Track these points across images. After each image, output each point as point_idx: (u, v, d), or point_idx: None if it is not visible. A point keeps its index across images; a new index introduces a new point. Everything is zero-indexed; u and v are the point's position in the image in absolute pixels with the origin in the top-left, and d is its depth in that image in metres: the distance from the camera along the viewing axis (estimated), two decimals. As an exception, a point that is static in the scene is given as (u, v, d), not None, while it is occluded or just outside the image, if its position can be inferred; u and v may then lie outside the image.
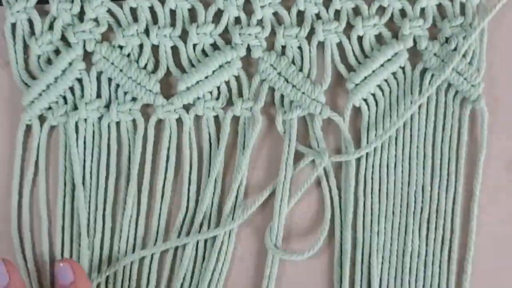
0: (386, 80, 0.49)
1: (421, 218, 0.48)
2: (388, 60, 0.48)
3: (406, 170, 0.49)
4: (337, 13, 0.48)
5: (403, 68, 0.49)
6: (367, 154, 0.48)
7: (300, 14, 0.48)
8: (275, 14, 0.48)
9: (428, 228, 0.48)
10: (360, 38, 0.49)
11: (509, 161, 0.50)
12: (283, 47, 0.49)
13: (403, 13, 0.49)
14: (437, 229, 0.48)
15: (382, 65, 0.48)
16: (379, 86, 0.49)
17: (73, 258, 0.48)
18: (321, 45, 0.49)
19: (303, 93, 0.48)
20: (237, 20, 0.48)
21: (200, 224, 0.48)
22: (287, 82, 0.48)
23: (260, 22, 0.48)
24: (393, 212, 0.49)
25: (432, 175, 0.49)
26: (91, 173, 0.49)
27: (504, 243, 0.49)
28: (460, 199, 0.49)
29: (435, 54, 0.48)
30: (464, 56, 0.48)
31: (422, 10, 0.49)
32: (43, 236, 0.49)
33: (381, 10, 0.48)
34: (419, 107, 0.49)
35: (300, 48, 0.49)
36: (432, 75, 0.48)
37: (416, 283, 0.48)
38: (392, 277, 0.48)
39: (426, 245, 0.48)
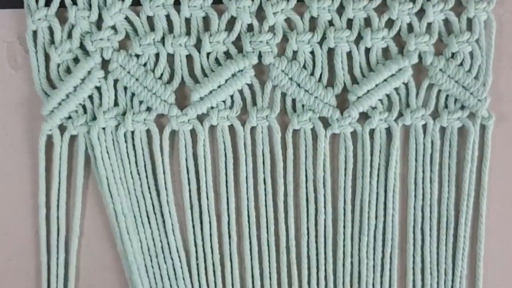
0: (388, 95, 0.48)
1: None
2: (392, 75, 0.47)
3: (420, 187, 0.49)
4: (350, 22, 0.48)
5: (406, 84, 0.48)
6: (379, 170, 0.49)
7: (312, 20, 0.48)
8: (287, 20, 0.48)
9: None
10: (367, 50, 0.48)
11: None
12: (294, 53, 0.48)
13: (410, 27, 0.48)
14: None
15: (385, 80, 0.47)
16: (381, 101, 0.48)
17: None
18: (330, 51, 0.48)
19: (316, 97, 0.48)
20: (250, 27, 0.48)
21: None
22: (299, 87, 0.48)
23: (271, 29, 0.48)
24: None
25: (449, 191, 0.49)
26: (106, 182, 0.49)
27: None
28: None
29: (440, 70, 0.47)
30: (469, 70, 0.47)
31: (429, 25, 0.48)
32: (60, 246, 0.49)
33: (390, 23, 0.48)
34: (426, 123, 0.48)
35: (312, 53, 0.48)
36: (439, 91, 0.48)
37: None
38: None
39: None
